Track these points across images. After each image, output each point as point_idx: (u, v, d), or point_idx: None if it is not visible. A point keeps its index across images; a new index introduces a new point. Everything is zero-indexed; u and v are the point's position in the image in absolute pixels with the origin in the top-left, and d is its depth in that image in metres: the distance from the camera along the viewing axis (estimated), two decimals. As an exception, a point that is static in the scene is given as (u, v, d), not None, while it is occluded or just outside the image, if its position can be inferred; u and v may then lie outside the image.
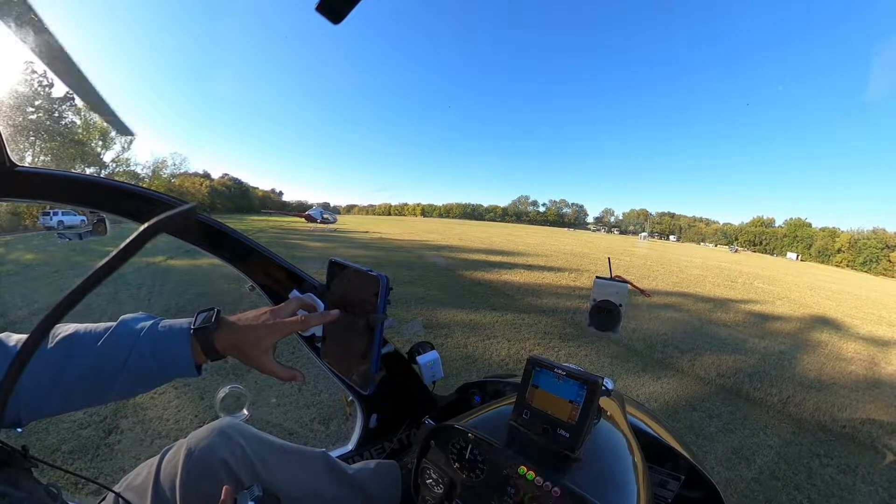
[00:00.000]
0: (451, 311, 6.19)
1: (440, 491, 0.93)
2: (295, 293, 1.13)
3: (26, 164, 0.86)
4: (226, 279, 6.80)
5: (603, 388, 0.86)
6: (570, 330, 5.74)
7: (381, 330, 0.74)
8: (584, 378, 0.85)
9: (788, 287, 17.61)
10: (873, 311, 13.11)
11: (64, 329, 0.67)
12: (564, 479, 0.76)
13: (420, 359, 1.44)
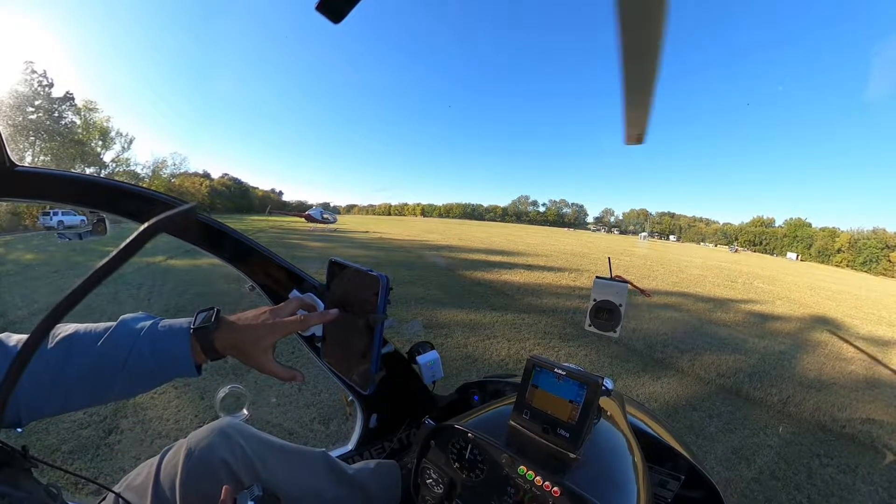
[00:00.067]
0: (451, 310, 6.19)
1: (440, 491, 0.93)
2: (295, 293, 1.12)
3: (26, 164, 0.86)
4: (226, 279, 6.79)
5: (603, 388, 0.86)
6: (570, 330, 5.74)
7: (381, 330, 0.74)
8: (584, 378, 0.85)
9: (788, 287, 17.61)
10: (873, 311, 13.11)
11: (64, 329, 0.67)
12: (564, 479, 0.76)
13: (420, 359, 1.44)
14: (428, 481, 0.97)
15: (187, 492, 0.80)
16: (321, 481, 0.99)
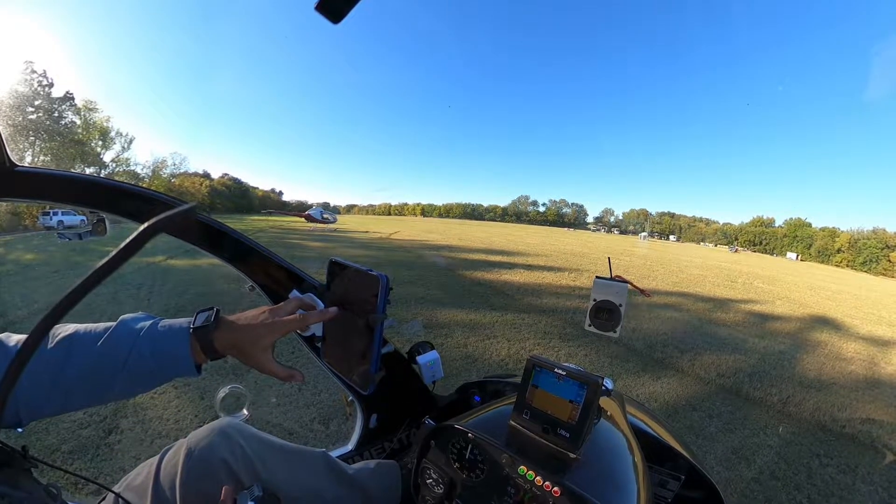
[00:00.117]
0: (451, 310, 6.19)
1: (440, 491, 0.93)
2: (295, 293, 1.12)
3: (26, 164, 0.86)
4: (226, 279, 6.79)
5: (603, 387, 0.86)
6: (570, 330, 5.74)
7: (381, 330, 0.74)
8: (584, 378, 0.85)
9: (788, 287, 17.61)
10: (873, 311, 13.10)
11: (64, 329, 0.67)
12: (564, 479, 0.76)
13: (420, 359, 1.44)
14: (428, 481, 0.97)
15: (187, 492, 0.80)
16: (321, 481, 0.99)
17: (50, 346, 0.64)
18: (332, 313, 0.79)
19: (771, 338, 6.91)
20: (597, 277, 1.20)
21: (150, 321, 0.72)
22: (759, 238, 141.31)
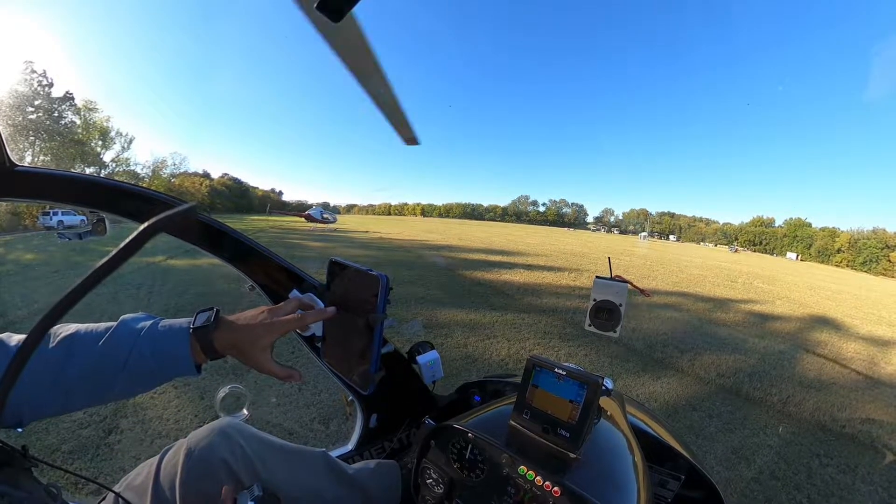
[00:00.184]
0: (451, 310, 6.19)
1: (440, 491, 0.93)
2: (295, 293, 1.13)
3: (26, 164, 0.86)
4: (226, 279, 6.79)
5: (603, 387, 0.86)
6: (570, 330, 5.74)
7: (380, 330, 0.74)
8: (584, 378, 0.85)
9: (788, 287, 17.61)
10: (873, 311, 13.11)
11: (65, 329, 0.67)
12: (564, 479, 0.76)
13: (420, 358, 1.44)
14: (428, 481, 0.97)
15: (187, 491, 0.80)
16: (321, 481, 0.99)
17: (51, 345, 0.64)
18: (330, 312, 0.79)
19: (771, 338, 6.91)
20: (597, 277, 1.20)
21: (151, 321, 0.72)
22: (759, 238, 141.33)
